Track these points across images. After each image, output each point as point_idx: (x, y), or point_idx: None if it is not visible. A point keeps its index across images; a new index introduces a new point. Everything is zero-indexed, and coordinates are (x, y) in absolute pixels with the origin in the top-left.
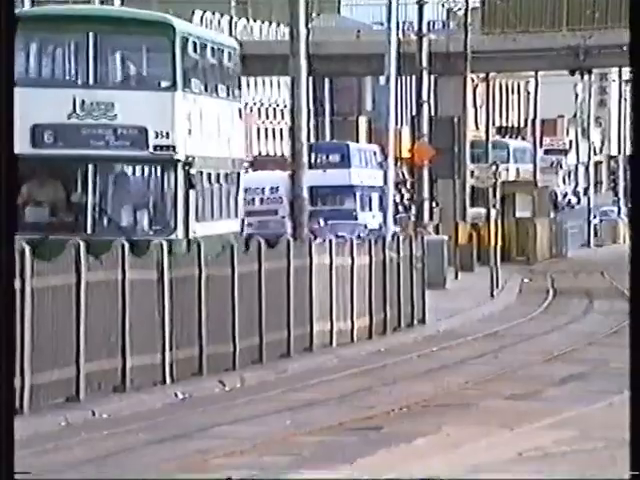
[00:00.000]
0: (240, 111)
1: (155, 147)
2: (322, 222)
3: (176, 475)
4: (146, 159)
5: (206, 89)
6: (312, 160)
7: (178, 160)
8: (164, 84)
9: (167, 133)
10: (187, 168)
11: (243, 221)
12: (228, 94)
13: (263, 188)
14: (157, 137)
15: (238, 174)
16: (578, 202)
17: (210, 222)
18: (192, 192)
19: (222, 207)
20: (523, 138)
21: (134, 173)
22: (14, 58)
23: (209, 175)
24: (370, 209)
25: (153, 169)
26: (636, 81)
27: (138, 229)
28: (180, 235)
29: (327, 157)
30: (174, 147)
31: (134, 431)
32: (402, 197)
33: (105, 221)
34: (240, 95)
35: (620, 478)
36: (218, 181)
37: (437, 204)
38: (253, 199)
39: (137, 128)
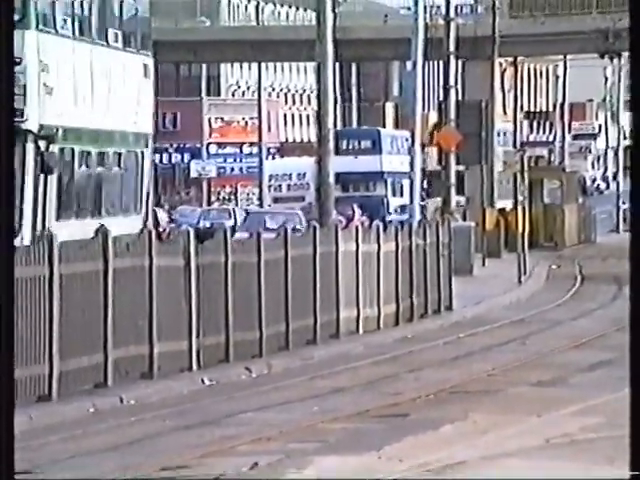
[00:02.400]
0: (146, 68)
1: None
2: (356, 208)
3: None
4: None
5: (83, 31)
6: (343, 146)
7: (27, 131)
8: None
9: None
10: (43, 143)
11: (154, 215)
12: (127, 43)
13: (290, 174)
14: None
15: (142, 154)
16: (607, 187)
17: (87, 220)
18: (51, 178)
19: (112, 200)
20: (551, 123)
21: None
22: (13, 56)
23: (86, 155)
24: (401, 195)
25: None
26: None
27: None
28: (25, 240)
29: (359, 143)
30: (22, 112)
31: (161, 417)
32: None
33: None
34: (150, 47)
35: (620, 478)
36: (103, 164)
37: (463, 193)
38: (280, 185)
39: None
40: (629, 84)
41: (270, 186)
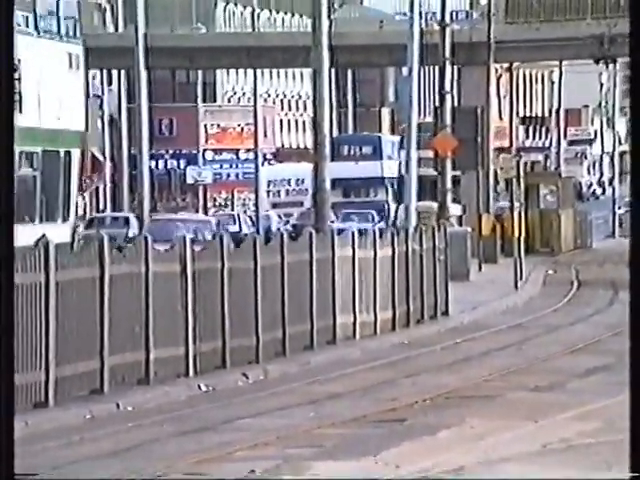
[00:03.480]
0: (72, 58)
1: None
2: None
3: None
4: None
5: None
6: (344, 152)
7: None
8: None
9: None
10: None
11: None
12: (40, 29)
13: (289, 180)
14: None
15: (68, 154)
16: (603, 192)
17: None
18: None
19: (22, 207)
20: (547, 128)
21: None
22: (13, 57)
23: None
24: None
25: None
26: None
27: None
28: None
29: (360, 149)
30: None
31: (158, 423)
32: None
33: None
34: (79, 34)
35: (620, 478)
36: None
37: (459, 201)
38: (279, 191)
39: None
40: (627, 89)
41: (269, 191)
